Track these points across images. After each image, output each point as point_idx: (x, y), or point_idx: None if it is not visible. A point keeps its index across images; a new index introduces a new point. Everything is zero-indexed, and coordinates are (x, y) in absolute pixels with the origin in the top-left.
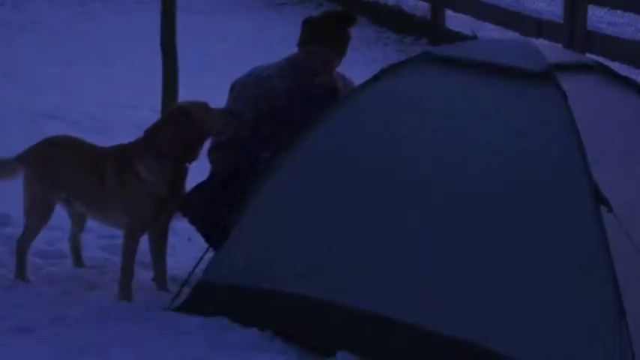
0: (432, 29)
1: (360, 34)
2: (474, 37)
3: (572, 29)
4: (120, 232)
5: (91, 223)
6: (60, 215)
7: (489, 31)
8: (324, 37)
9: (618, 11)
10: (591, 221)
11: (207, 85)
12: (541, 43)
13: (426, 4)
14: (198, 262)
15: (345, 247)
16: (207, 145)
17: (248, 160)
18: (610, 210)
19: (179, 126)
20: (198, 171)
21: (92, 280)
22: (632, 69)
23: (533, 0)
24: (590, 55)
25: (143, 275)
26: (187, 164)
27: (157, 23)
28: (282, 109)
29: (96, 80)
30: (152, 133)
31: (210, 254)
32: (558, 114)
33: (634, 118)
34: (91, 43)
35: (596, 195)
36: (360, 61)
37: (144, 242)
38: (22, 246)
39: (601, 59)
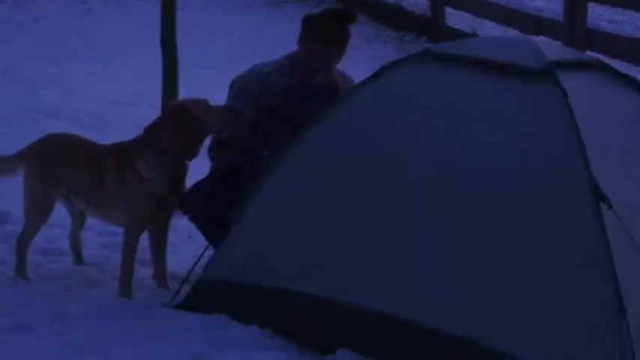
0: (431, 27)
1: (360, 31)
2: (474, 35)
3: (572, 27)
4: (120, 230)
5: (91, 221)
6: (60, 213)
7: (489, 28)
8: (324, 34)
9: (618, 9)
10: (591, 219)
11: (208, 83)
12: (541, 41)
13: (425, 2)
14: (198, 260)
15: (346, 245)
16: (207, 142)
17: (248, 157)
18: (610, 207)
19: (179, 123)
20: (198, 168)
21: (92, 277)
22: (632, 67)
23: None
24: (590, 53)
25: (143, 273)
26: (187, 162)
27: (157, 21)
28: (282, 106)
29: (96, 78)
30: (152, 130)
31: (210, 252)
32: (558, 112)
33: (634, 115)
34: (91, 41)
35: (596, 193)
36: (360, 59)
37: (144, 240)
38: (22, 243)
39: (601, 57)
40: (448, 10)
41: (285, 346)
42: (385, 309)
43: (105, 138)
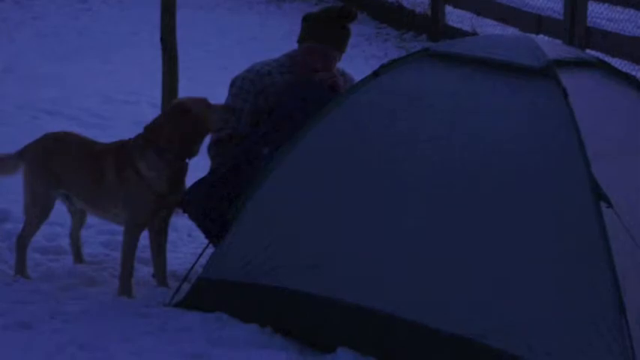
0: (432, 25)
1: (360, 30)
2: (474, 34)
3: (572, 25)
4: (120, 228)
5: (91, 219)
6: (60, 211)
7: (489, 27)
8: (324, 33)
9: (618, 7)
10: (591, 218)
11: (208, 81)
12: (541, 39)
13: (426, 1)
14: (198, 258)
15: (346, 243)
16: (207, 141)
17: (248, 156)
18: (610, 205)
19: (179, 122)
20: (198, 167)
21: (92, 276)
22: (633, 65)
23: None
24: (590, 52)
25: (143, 271)
26: (187, 160)
27: (156, 19)
28: (282, 105)
29: (96, 76)
30: (152, 129)
31: (210, 250)
32: (558, 110)
33: (634, 114)
34: (90, 39)
35: (596, 191)
36: (360, 58)
37: (144, 238)
38: (22, 242)
39: (601, 55)
40: (448, 8)
41: (285, 344)
42: (385, 308)
43: (105, 136)
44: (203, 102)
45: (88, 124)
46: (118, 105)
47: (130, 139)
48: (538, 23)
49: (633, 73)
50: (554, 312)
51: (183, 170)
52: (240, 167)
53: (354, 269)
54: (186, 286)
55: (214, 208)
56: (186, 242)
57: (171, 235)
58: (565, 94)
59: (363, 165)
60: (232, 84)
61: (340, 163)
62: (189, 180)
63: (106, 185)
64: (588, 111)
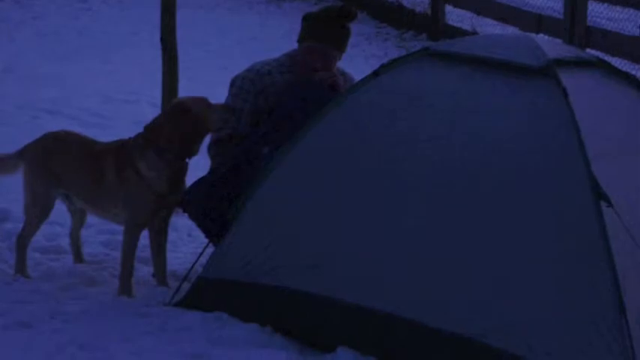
0: (431, 25)
1: (360, 29)
2: (474, 33)
3: (572, 25)
4: (120, 228)
5: (91, 219)
6: (60, 211)
7: (489, 26)
8: (324, 33)
9: (618, 7)
10: (591, 217)
11: (208, 81)
12: (541, 39)
13: (426, 0)
14: (198, 258)
15: (345, 243)
16: (207, 141)
17: (248, 155)
18: (610, 205)
19: (179, 122)
20: (198, 167)
21: (92, 275)
22: (633, 65)
23: None
24: (590, 51)
25: (143, 271)
26: (187, 160)
27: (156, 19)
28: (282, 105)
29: (96, 76)
30: (152, 128)
31: (210, 250)
32: (559, 109)
33: (634, 114)
34: (91, 39)
35: (596, 191)
36: (360, 57)
37: (144, 238)
38: (22, 241)
39: (601, 55)
40: (448, 8)
41: (285, 344)
42: (385, 308)
43: (105, 136)
44: (203, 102)
45: (88, 124)
46: (118, 105)
47: (129, 138)
48: (538, 23)
49: (633, 72)
50: (554, 312)
51: (183, 170)
52: (240, 167)
53: (354, 269)
54: (186, 286)
55: (214, 208)
56: (186, 242)
57: (171, 235)
58: (565, 94)
59: (363, 165)
60: (232, 84)
61: (340, 163)
62: (189, 180)
63: (106, 185)
64: (588, 111)
